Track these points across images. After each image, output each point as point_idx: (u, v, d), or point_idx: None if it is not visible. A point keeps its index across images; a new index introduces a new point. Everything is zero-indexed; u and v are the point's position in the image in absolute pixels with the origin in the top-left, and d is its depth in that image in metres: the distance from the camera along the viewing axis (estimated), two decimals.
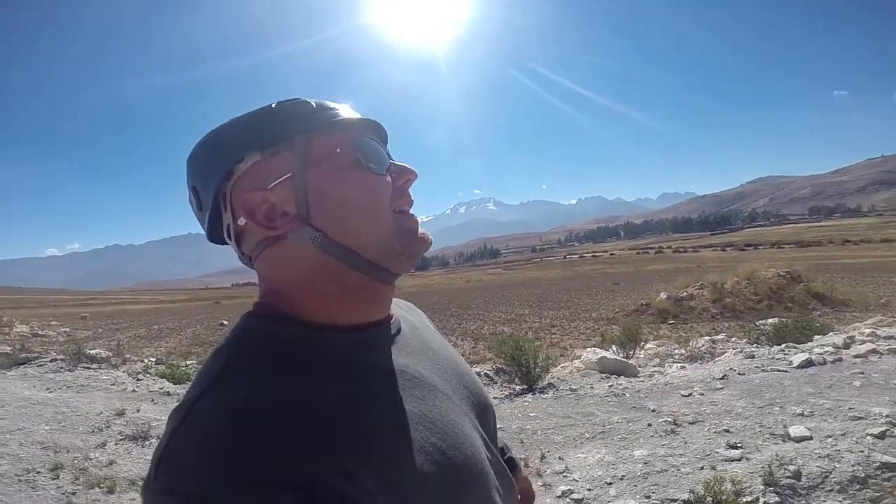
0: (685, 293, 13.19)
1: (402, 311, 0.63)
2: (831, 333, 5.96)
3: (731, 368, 4.66)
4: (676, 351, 6.80)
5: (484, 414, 0.59)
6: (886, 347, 4.93)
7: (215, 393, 0.40)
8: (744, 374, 4.45)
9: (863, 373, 4.16)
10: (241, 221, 0.49)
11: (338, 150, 0.49)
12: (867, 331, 6.06)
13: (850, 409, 3.42)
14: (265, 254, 0.50)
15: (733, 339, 7.07)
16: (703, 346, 6.72)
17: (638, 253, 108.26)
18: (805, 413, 3.48)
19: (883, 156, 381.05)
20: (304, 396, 0.41)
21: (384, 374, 0.49)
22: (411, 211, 0.54)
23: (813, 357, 4.66)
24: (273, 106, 0.50)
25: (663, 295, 13.40)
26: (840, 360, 4.59)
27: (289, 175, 0.48)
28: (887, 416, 3.25)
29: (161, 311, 36.70)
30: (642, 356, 6.67)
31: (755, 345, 6.52)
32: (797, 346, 5.79)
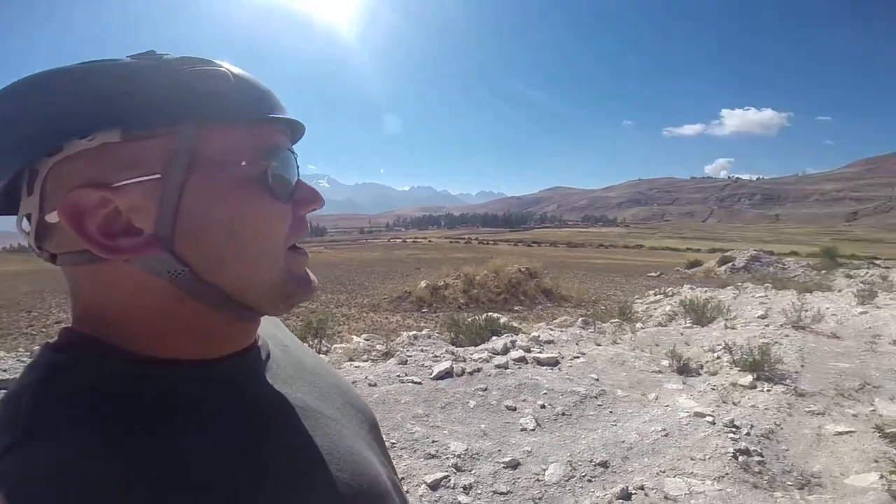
0: (442, 283, 13.69)
1: (267, 326, 0.48)
2: (505, 335, 6.25)
3: (369, 376, 4.20)
4: (375, 348, 6.36)
5: (375, 430, 0.51)
6: (534, 355, 5.19)
7: (18, 462, 0.29)
8: (374, 385, 4.00)
9: (486, 388, 4.08)
10: (52, 219, 0.33)
11: (244, 162, 0.35)
12: (535, 334, 6.59)
13: (434, 441, 3.10)
14: (86, 268, 0.35)
15: (434, 336, 7.03)
16: (400, 342, 6.41)
17: (451, 242, 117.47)
18: (391, 442, 3.06)
19: (639, 179, 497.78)
20: (163, 458, 0.31)
21: (264, 407, 0.39)
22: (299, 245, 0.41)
23: (455, 366, 4.53)
24: (162, 57, 0.35)
25: (423, 283, 13.68)
26: (479, 370, 4.53)
27: (156, 175, 0.33)
28: (459, 454, 2.97)
29: None
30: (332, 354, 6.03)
31: (453, 344, 6.56)
32: (472, 347, 5.88)
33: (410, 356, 4.87)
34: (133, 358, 0.35)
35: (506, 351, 5.37)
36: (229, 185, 0.35)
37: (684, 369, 4.98)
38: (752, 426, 3.46)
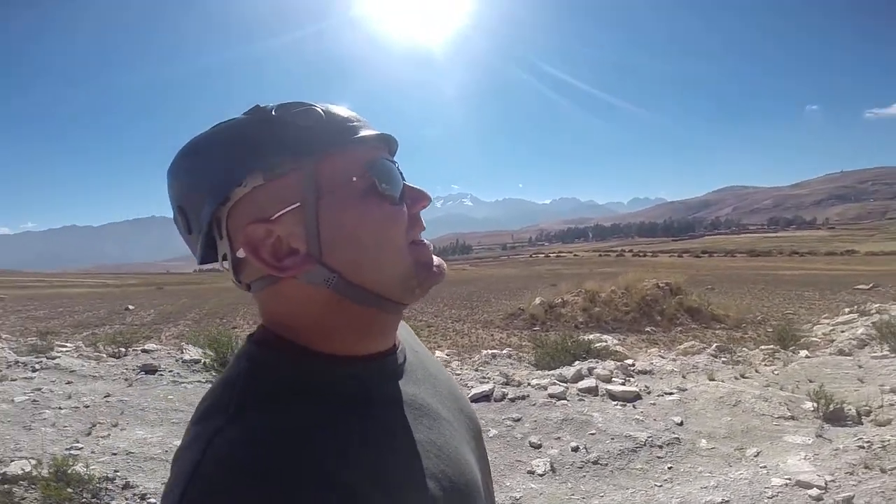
0: (559, 299, 12.58)
1: (403, 333, 0.56)
2: (589, 360, 5.24)
3: None
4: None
5: (478, 437, 0.58)
6: (610, 387, 4.22)
7: (234, 434, 0.37)
8: None
9: (519, 419, 3.44)
10: (241, 254, 0.43)
11: (354, 178, 0.43)
12: (629, 361, 5.41)
13: None
14: (269, 289, 0.45)
15: (514, 356, 6.33)
16: (476, 360, 5.93)
17: (600, 255, 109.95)
18: None
19: (842, 171, 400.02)
20: (327, 432, 0.40)
21: (397, 404, 0.47)
22: (425, 240, 0.49)
23: (499, 389, 3.90)
24: (273, 112, 0.43)
25: (537, 300, 12.77)
26: (525, 396, 3.86)
27: (297, 205, 0.42)
28: None
29: (93, 296, 34.18)
30: None
31: (535, 365, 5.82)
32: (547, 371, 5.07)
33: (458, 374, 4.39)
34: (315, 353, 0.44)
35: (578, 378, 4.48)
36: (349, 199, 0.43)
37: (835, 416, 3.41)
38: None
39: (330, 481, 0.36)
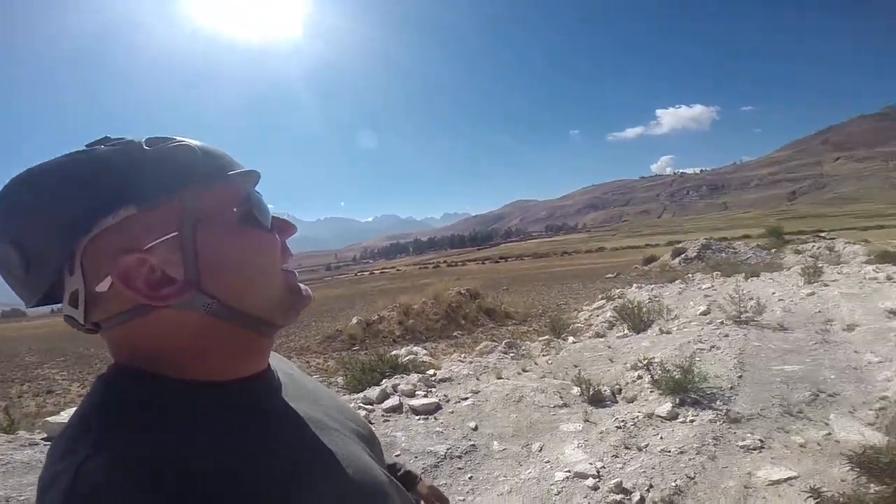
0: (376, 316, 12.39)
1: (275, 361, 0.56)
2: (395, 377, 5.04)
3: None
4: None
5: (371, 441, 0.60)
6: (412, 402, 4.01)
7: (101, 462, 0.35)
8: None
9: None
10: (102, 287, 0.41)
11: (234, 208, 0.45)
12: (431, 372, 5.42)
13: None
14: (133, 322, 0.42)
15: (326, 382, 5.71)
16: None
17: (420, 268, 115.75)
18: None
19: (593, 185, 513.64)
20: (217, 448, 0.39)
21: (284, 416, 0.48)
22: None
23: None
24: (145, 146, 0.43)
25: (355, 320, 12.34)
26: None
27: (174, 234, 0.42)
28: None
29: None
30: None
31: (347, 388, 5.28)
32: (354, 395, 4.63)
33: None
34: (178, 380, 0.43)
35: (383, 398, 4.18)
36: (229, 227, 0.44)
37: (596, 399, 3.90)
38: (650, 486, 2.37)
39: (213, 500, 0.35)
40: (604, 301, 12.15)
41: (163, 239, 0.41)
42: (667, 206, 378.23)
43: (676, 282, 13.15)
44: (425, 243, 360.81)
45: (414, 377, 4.81)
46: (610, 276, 28.39)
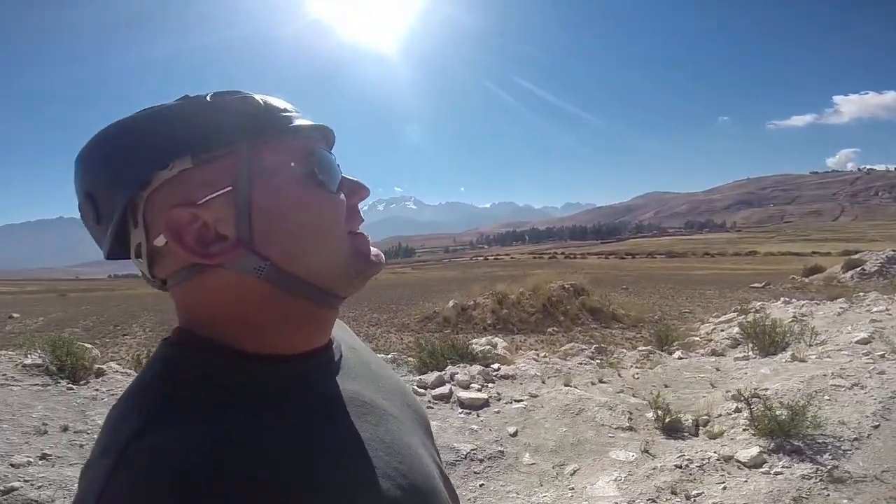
0: (472, 302, 12.41)
1: (339, 331, 0.53)
2: (459, 365, 4.94)
3: None
4: None
5: (428, 431, 0.57)
6: (462, 394, 3.90)
7: (150, 442, 0.34)
8: None
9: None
10: (160, 242, 0.40)
11: (292, 164, 0.42)
12: (495, 366, 5.18)
13: None
14: (190, 282, 0.41)
15: (399, 360, 5.93)
16: None
17: (535, 257, 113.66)
18: None
19: (748, 178, 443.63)
20: (261, 440, 0.37)
21: (337, 402, 0.44)
22: (361, 230, 0.47)
23: None
24: (208, 98, 0.41)
25: (451, 303, 12.53)
26: None
27: (228, 189, 0.40)
28: None
29: None
30: None
31: (417, 370, 5.43)
32: (414, 377, 4.69)
33: None
34: (235, 353, 0.40)
35: (439, 384, 4.16)
36: (286, 184, 0.41)
37: (672, 427, 3.30)
38: None
39: (260, 490, 0.33)
40: (735, 314, 10.40)
41: (217, 194, 0.39)
42: (846, 207, 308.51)
43: (839, 300, 10.60)
44: (543, 232, 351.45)
45: (476, 368, 4.65)
46: (756, 285, 24.57)
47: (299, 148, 0.42)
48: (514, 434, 3.17)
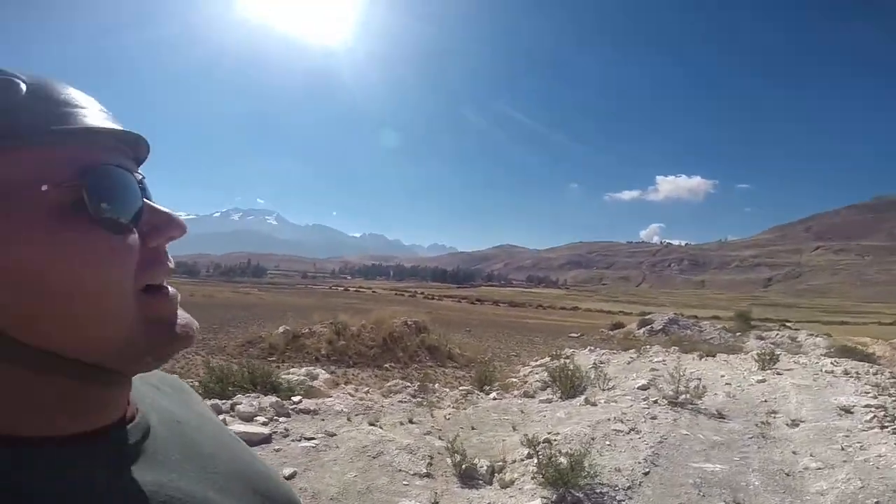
0: (307, 330, 11.41)
1: (157, 395, 0.40)
2: (252, 395, 4.15)
3: None
4: None
5: None
6: (239, 428, 3.15)
7: None
8: None
9: None
10: None
11: (43, 187, 0.27)
12: (296, 398, 4.56)
13: None
14: None
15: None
16: None
17: (396, 294, 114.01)
18: None
19: (581, 241, 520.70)
20: None
21: (125, 501, 0.31)
22: (167, 285, 0.33)
23: None
24: None
25: (281, 329, 11.33)
26: None
27: None
28: None
29: None
30: None
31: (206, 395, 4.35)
32: None
33: None
34: None
35: (217, 413, 3.29)
36: (30, 217, 0.27)
37: (468, 475, 3.12)
38: None
39: None
40: (549, 359, 11.43)
41: None
42: (647, 275, 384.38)
43: (631, 351, 12.56)
44: (407, 270, 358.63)
45: (269, 400, 3.97)
46: (574, 335, 28.13)
47: (69, 161, 0.27)
48: (291, 477, 2.62)
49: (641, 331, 24.88)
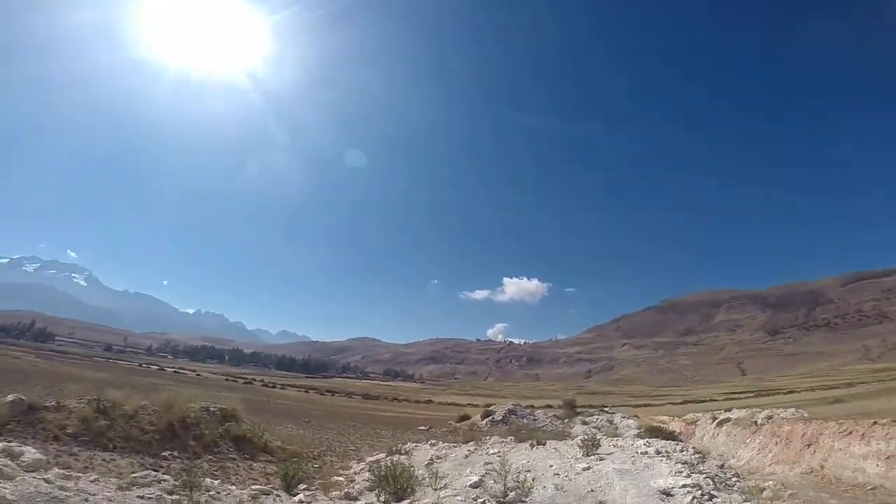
0: (54, 402, 8.28)
1: None
2: None
3: None
4: None
5: None
6: None
7: None
8: None
9: None
10: None
11: None
12: None
13: None
14: None
15: None
16: None
17: (227, 379, 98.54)
18: None
19: (437, 338, 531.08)
20: None
21: None
22: None
23: None
24: None
25: (10, 397, 8.07)
26: None
27: None
28: None
29: None
30: None
31: None
32: None
33: None
34: None
35: None
36: None
37: None
38: None
39: None
40: (384, 454, 10.07)
41: None
42: (492, 370, 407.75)
43: (471, 443, 11.90)
44: (246, 356, 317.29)
45: None
46: (423, 427, 27.37)
47: None
48: None
49: (484, 421, 25.17)
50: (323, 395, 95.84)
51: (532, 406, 34.74)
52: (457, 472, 7.46)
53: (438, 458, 9.19)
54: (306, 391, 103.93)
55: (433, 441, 13.08)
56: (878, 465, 8.74)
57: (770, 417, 16.14)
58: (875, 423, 9.81)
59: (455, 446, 11.58)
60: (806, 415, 16.38)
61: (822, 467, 10.31)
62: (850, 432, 10.25)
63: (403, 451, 10.25)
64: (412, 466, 6.73)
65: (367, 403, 75.34)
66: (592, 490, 5.63)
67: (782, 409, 18.27)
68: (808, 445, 11.55)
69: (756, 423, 16.07)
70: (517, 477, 5.47)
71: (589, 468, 7.13)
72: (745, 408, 23.63)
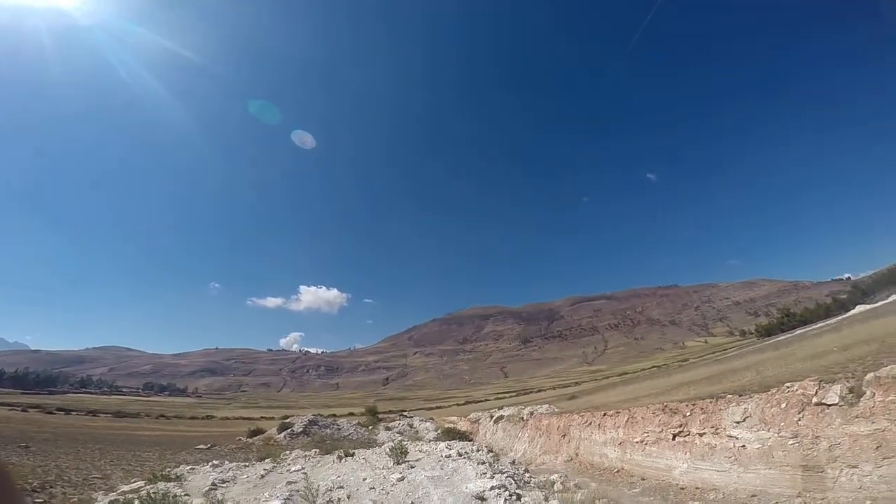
0: None
1: None
2: None
3: None
4: None
5: None
6: None
7: None
8: None
9: None
10: None
11: None
12: None
13: None
14: None
15: None
16: None
17: None
18: None
19: (217, 348, 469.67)
20: None
21: None
22: None
23: None
24: None
25: None
26: None
27: None
28: None
29: None
30: None
31: None
32: None
33: None
34: None
35: None
36: None
37: None
38: None
39: None
40: (143, 483, 7.93)
41: None
42: (287, 381, 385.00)
43: (267, 460, 10.38)
44: None
45: None
46: (202, 446, 23.45)
47: None
48: None
49: (282, 434, 22.87)
50: (51, 413, 75.13)
51: (335, 415, 33.76)
52: (251, 498, 6.25)
53: (224, 481, 7.67)
54: (24, 410, 79.77)
55: (215, 462, 11.01)
56: (615, 450, 11.08)
57: (532, 413, 19.15)
58: (605, 414, 12.46)
59: (247, 465, 9.94)
60: (556, 410, 19.96)
61: (577, 455, 12.60)
62: (590, 423, 12.81)
63: (173, 477, 8.25)
64: (186, 495, 5.44)
65: (119, 423, 62.70)
66: (413, 502, 5.39)
67: (539, 406, 21.81)
68: (564, 436, 14.02)
69: (523, 418, 18.88)
70: (329, 496, 4.80)
71: (403, 478, 6.92)
72: (513, 405, 27.90)
